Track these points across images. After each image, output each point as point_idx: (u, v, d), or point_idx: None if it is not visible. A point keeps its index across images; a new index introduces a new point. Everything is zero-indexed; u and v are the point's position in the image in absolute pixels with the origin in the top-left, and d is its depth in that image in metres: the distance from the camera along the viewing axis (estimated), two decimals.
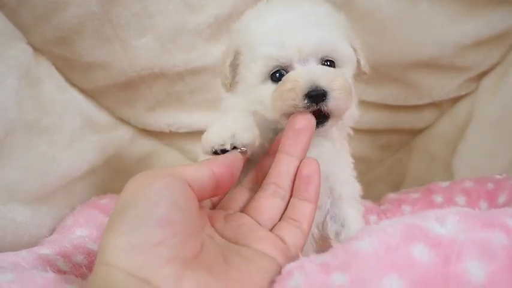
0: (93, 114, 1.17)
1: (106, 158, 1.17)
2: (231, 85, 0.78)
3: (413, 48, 1.16)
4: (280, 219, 0.65)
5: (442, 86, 1.23)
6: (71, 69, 1.11)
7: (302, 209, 0.65)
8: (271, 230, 0.63)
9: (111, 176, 1.18)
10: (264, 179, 0.69)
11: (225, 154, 0.60)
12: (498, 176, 1.00)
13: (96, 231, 0.91)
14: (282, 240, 0.60)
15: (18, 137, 0.96)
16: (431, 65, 1.18)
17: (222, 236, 0.59)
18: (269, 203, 0.65)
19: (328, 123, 0.70)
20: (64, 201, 1.06)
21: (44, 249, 0.80)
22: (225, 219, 0.62)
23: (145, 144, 1.28)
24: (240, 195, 0.69)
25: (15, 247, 0.87)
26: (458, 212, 0.45)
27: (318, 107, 0.67)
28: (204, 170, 0.56)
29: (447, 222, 0.43)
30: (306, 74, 0.68)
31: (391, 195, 1.11)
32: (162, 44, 1.10)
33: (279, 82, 0.70)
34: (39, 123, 1.01)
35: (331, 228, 0.78)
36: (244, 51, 0.74)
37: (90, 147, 1.13)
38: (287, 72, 0.71)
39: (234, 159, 0.60)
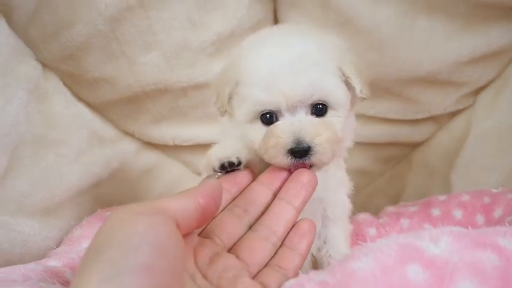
0: (99, 128, 1.20)
1: (111, 170, 1.19)
2: (225, 112, 0.77)
3: (411, 64, 1.18)
4: (266, 265, 0.63)
5: (440, 101, 1.26)
6: (78, 85, 1.14)
7: (291, 259, 0.64)
8: (256, 274, 0.61)
9: (116, 189, 1.21)
10: (252, 210, 0.68)
11: (206, 183, 0.58)
12: (494, 190, 1.02)
13: None
14: None
15: (27, 150, 0.99)
16: (429, 81, 1.20)
17: (205, 277, 0.56)
18: (260, 247, 0.64)
19: (312, 170, 0.71)
20: (70, 213, 1.08)
21: (52, 261, 0.82)
22: (210, 259, 0.59)
23: (150, 157, 1.30)
24: (230, 223, 0.66)
25: (23, 259, 0.89)
26: (452, 231, 0.48)
27: (302, 161, 0.68)
28: (190, 202, 0.53)
29: (441, 242, 0.46)
30: (289, 129, 0.68)
31: (390, 208, 1.13)
32: (167, 61, 1.13)
33: (267, 129, 0.70)
34: (47, 137, 1.04)
35: (314, 244, 0.79)
36: (239, 85, 0.73)
37: (95, 160, 1.15)
38: (276, 116, 0.71)
39: (216, 188, 0.57)
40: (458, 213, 1.00)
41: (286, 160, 0.68)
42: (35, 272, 0.75)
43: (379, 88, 1.23)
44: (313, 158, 0.67)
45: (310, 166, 0.70)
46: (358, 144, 1.30)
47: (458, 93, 1.23)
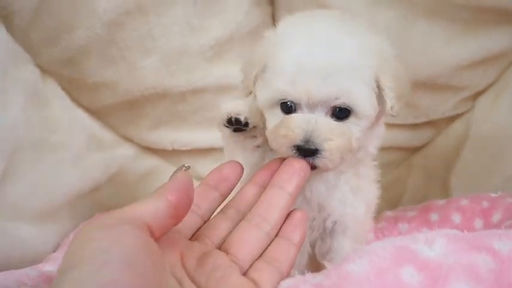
0: (97, 132, 1.20)
1: (110, 175, 1.20)
2: (250, 93, 0.76)
3: (411, 68, 1.17)
4: (260, 256, 0.60)
5: (438, 105, 1.26)
6: (77, 89, 1.15)
7: (286, 250, 0.61)
8: (248, 269, 0.58)
9: (115, 193, 1.21)
10: (245, 209, 0.65)
11: (174, 178, 0.55)
12: (493, 194, 1.02)
13: None
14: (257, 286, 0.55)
15: (25, 155, 0.99)
16: (428, 85, 1.20)
17: (193, 281, 0.54)
18: (252, 236, 0.61)
19: (315, 171, 0.69)
20: (68, 218, 1.09)
21: (48, 266, 0.82)
22: (198, 260, 0.56)
23: (149, 162, 1.30)
24: (221, 224, 0.64)
25: (21, 263, 0.89)
26: (447, 234, 0.48)
27: (305, 159, 0.66)
28: (160, 203, 0.50)
29: (436, 245, 0.46)
30: (303, 125, 0.66)
31: (388, 213, 1.13)
32: (166, 65, 1.13)
33: (282, 118, 0.69)
34: (45, 141, 1.04)
35: (319, 250, 0.80)
36: (266, 70, 0.70)
37: (94, 165, 1.16)
38: (295, 107, 0.68)
39: (185, 181, 0.54)
40: (457, 218, 1.00)
41: (290, 153, 0.66)
42: (29, 277, 0.74)
43: None
44: (318, 161, 0.66)
45: (313, 167, 0.68)
46: None
47: (457, 98, 1.23)
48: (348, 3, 1.12)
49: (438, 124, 1.31)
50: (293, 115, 0.68)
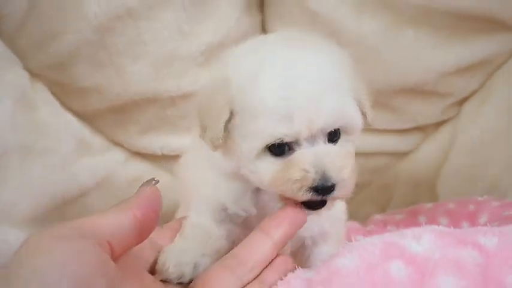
0: (86, 137, 1.19)
1: (99, 180, 1.18)
2: (218, 147, 0.65)
3: (398, 75, 1.20)
4: None
5: (425, 111, 1.28)
6: (66, 94, 1.14)
7: None
8: None
9: (104, 198, 1.20)
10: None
11: (142, 191, 0.51)
12: (479, 198, 1.04)
13: None
14: None
15: (13, 159, 0.98)
16: (415, 91, 1.22)
17: None
18: (222, 277, 0.56)
19: (323, 209, 0.63)
20: (56, 223, 1.07)
21: None
22: None
23: (138, 167, 1.29)
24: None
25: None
26: (434, 230, 0.48)
27: (324, 197, 0.60)
28: (125, 218, 0.46)
29: (423, 240, 0.47)
30: (315, 161, 0.59)
31: (377, 216, 1.14)
32: (156, 70, 1.13)
33: (283, 161, 0.61)
34: (33, 146, 1.03)
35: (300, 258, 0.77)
36: (241, 114, 0.62)
37: (83, 170, 1.15)
38: (289, 146, 0.61)
39: (154, 196, 0.50)
40: (444, 221, 1.02)
41: (306, 195, 0.59)
42: None
43: None
44: (336, 194, 0.60)
45: (323, 203, 0.62)
46: None
47: (444, 104, 1.25)
48: (335, 11, 1.13)
49: (425, 129, 1.33)
50: (297, 154, 0.60)
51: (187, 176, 0.80)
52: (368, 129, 1.28)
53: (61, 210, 1.09)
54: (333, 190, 0.59)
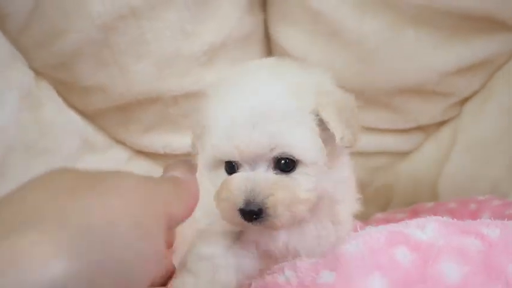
0: (90, 135, 1.20)
1: None
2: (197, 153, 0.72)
3: (399, 74, 1.21)
4: None
5: (427, 111, 1.28)
6: (70, 92, 1.15)
7: None
8: None
9: None
10: None
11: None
12: (481, 197, 1.04)
13: None
14: None
15: (17, 157, 0.99)
16: (416, 91, 1.23)
17: None
18: None
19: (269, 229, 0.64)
20: None
21: None
22: None
23: (141, 165, 1.30)
24: None
25: None
26: (438, 220, 0.49)
27: (252, 224, 0.61)
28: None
29: (427, 228, 0.47)
30: (241, 185, 0.61)
31: (379, 215, 1.14)
32: (159, 69, 1.14)
33: (223, 180, 0.64)
34: (38, 144, 1.04)
35: None
36: (206, 130, 0.67)
37: (86, 168, 1.15)
38: (237, 166, 0.65)
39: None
40: None
41: (238, 219, 0.62)
42: None
43: (367, 98, 1.25)
44: (265, 222, 0.61)
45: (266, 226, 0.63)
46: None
47: (445, 103, 1.26)
48: (337, 11, 1.14)
49: (427, 129, 1.33)
50: (232, 176, 0.64)
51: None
52: (369, 128, 1.31)
53: None
54: (260, 215, 0.60)
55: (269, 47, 1.31)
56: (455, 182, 1.24)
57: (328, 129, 0.63)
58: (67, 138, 1.12)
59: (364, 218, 1.18)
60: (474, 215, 1.00)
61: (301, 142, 0.62)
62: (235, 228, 0.70)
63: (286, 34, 1.23)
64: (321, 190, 0.65)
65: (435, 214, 1.03)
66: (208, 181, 0.68)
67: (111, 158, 1.24)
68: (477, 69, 1.19)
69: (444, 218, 0.51)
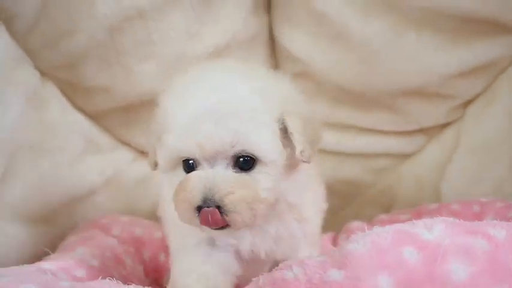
0: (95, 136, 1.21)
1: (106, 178, 1.20)
2: (156, 165, 0.71)
3: (401, 76, 1.21)
4: None
5: (429, 113, 1.29)
6: (75, 93, 1.16)
7: None
8: None
9: (112, 197, 1.21)
10: None
11: None
12: (484, 199, 1.05)
13: (97, 249, 0.93)
14: None
15: (23, 157, 1.00)
16: (418, 93, 1.23)
17: None
18: None
19: (230, 229, 0.63)
20: (65, 220, 1.09)
21: (46, 265, 0.81)
22: None
23: (145, 166, 1.28)
24: None
25: (17, 263, 0.89)
26: (445, 220, 0.50)
27: (212, 224, 0.61)
28: None
29: (434, 229, 0.48)
30: (199, 183, 0.61)
31: (382, 216, 1.15)
32: (164, 70, 1.14)
33: (181, 180, 0.63)
34: (43, 144, 1.05)
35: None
36: (163, 132, 0.66)
37: (91, 168, 1.16)
38: (196, 164, 0.64)
39: None
40: None
41: (195, 219, 0.61)
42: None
43: (370, 99, 1.26)
44: (226, 218, 0.60)
45: (225, 226, 0.62)
46: (349, 155, 1.34)
47: (447, 106, 1.26)
48: (341, 13, 1.15)
49: (429, 131, 1.33)
50: (190, 174, 0.63)
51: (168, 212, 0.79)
52: (371, 130, 1.32)
53: (70, 208, 1.11)
54: (219, 213, 0.60)
55: (273, 49, 1.32)
56: (458, 183, 1.24)
57: (289, 137, 0.64)
58: (72, 138, 1.13)
59: (366, 219, 1.19)
60: (478, 217, 1.00)
61: (263, 141, 0.63)
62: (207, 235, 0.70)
63: (290, 36, 1.23)
64: (277, 192, 0.66)
65: (439, 215, 1.04)
66: (167, 183, 0.68)
67: (116, 158, 1.25)
68: (480, 72, 1.19)
69: (451, 218, 0.52)
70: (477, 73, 1.19)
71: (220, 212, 0.60)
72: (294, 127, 0.64)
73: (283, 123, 0.64)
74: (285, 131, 0.65)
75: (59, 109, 1.12)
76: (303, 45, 1.22)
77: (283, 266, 0.53)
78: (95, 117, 1.21)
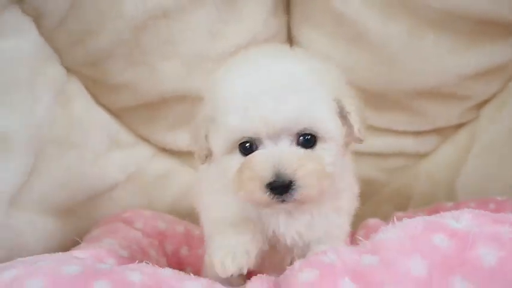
0: (117, 132, 1.24)
1: (128, 174, 1.23)
2: (207, 157, 0.70)
3: (418, 77, 1.23)
4: None
5: (444, 114, 1.31)
6: (99, 89, 1.19)
7: None
8: None
9: (133, 192, 1.24)
10: None
11: None
12: (499, 198, 1.06)
13: (124, 241, 0.96)
14: None
15: (50, 152, 1.03)
16: (434, 94, 1.25)
17: None
18: None
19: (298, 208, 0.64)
20: (89, 213, 1.12)
21: (78, 253, 0.84)
22: None
23: (165, 163, 1.33)
24: None
25: (45, 253, 0.92)
26: (471, 211, 0.52)
27: (283, 198, 0.60)
28: None
29: (462, 219, 0.50)
30: (268, 160, 0.60)
31: (399, 214, 1.16)
32: (186, 69, 1.17)
33: (243, 160, 0.63)
34: (68, 139, 1.08)
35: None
36: (215, 118, 0.66)
37: (113, 164, 1.19)
38: (257, 145, 0.63)
39: None
40: None
41: (264, 197, 0.60)
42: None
43: (386, 100, 1.28)
44: (297, 194, 0.60)
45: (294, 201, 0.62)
46: (364, 154, 1.36)
47: (462, 107, 1.28)
48: (360, 14, 1.17)
49: (444, 132, 1.35)
50: (254, 153, 0.62)
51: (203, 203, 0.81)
52: (387, 130, 1.34)
53: (92, 202, 1.14)
54: (290, 188, 0.60)
55: None
56: (472, 183, 1.26)
57: (343, 119, 0.66)
58: (95, 134, 1.16)
59: (383, 217, 1.20)
60: None
61: (326, 118, 0.63)
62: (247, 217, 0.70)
63: (309, 36, 1.26)
64: (338, 169, 0.67)
65: None
66: (219, 169, 0.67)
67: (137, 154, 1.27)
68: (495, 73, 1.21)
69: (476, 210, 0.54)
70: (492, 74, 1.21)
71: (291, 188, 0.60)
72: (351, 108, 0.65)
73: (338, 103, 0.65)
74: (339, 112, 0.66)
75: (82, 105, 1.15)
76: (322, 46, 1.24)
77: (318, 253, 0.55)
78: (118, 113, 1.24)
